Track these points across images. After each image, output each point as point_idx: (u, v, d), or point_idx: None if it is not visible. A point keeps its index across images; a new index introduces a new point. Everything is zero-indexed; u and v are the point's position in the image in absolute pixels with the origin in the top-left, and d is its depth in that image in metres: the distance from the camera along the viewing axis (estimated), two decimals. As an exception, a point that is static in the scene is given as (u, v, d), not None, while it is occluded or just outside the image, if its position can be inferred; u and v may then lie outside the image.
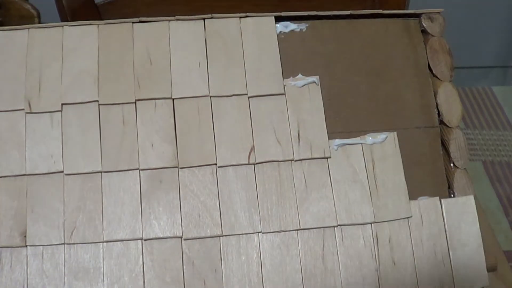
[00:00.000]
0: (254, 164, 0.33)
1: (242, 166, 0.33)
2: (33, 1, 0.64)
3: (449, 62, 0.36)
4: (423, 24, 0.36)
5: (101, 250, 0.31)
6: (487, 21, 1.22)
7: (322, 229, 0.32)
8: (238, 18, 0.35)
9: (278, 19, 0.36)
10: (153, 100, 0.33)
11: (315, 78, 0.34)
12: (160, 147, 0.32)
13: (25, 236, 0.31)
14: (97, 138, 0.32)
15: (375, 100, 0.35)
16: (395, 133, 0.34)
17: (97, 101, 0.33)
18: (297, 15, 0.36)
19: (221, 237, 0.32)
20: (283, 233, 0.32)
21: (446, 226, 0.33)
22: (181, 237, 0.31)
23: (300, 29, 0.36)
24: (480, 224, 0.34)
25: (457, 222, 0.33)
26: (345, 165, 0.33)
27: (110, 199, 0.32)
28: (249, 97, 0.34)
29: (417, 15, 0.37)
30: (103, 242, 0.31)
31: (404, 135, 0.34)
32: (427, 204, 0.33)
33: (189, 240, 0.31)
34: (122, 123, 0.33)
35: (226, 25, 0.35)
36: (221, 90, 0.34)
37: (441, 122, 0.35)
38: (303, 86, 0.34)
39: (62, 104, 0.33)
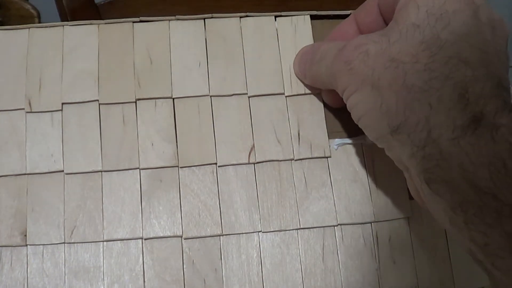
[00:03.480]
0: (254, 164, 0.33)
1: (242, 165, 0.33)
2: (33, 1, 0.64)
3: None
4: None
5: (101, 249, 0.31)
6: (486, 22, 1.22)
7: (322, 228, 0.32)
8: (238, 18, 0.35)
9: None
10: (154, 100, 0.33)
11: (315, 78, 0.34)
12: (160, 146, 0.33)
13: (25, 235, 0.31)
14: (97, 138, 0.32)
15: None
16: (395, 132, 0.34)
17: (97, 100, 0.33)
18: (297, 15, 0.36)
19: (221, 236, 0.32)
20: (283, 232, 0.32)
21: (446, 225, 0.33)
22: (181, 236, 0.31)
23: (300, 29, 0.36)
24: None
25: (457, 221, 0.33)
26: (345, 164, 0.33)
27: (110, 198, 0.32)
28: (249, 97, 0.34)
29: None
30: (103, 241, 0.31)
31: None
32: (427, 203, 0.33)
33: (189, 239, 0.31)
34: (123, 122, 0.33)
35: (226, 25, 0.35)
36: (221, 89, 0.34)
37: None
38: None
39: (63, 104, 0.33)
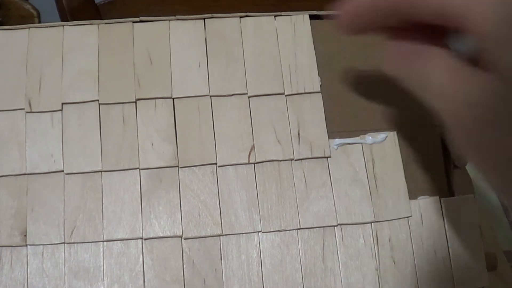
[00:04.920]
0: (254, 164, 0.33)
1: (242, 165, 0.33)
2: (33, 1, 0.64)
3: (449, 62, 0.36)
4: (423, 23, 0.36)
5: (101, 249, 0.31)
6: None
7: (322, 228, 0.32)
8: (238, 18, 0.35)
9: (278, 19, 0.36)
10: (154, 100, 0.33)
11: (315, 78, 0.34)
12: (160, 146, 0.33)
13: (25, 235, 0.31)
14: (97, 138, 0.32)
15: (375, 100, 0.35)
16: (395, 132, 0.34)
17: (98, 100, 0.33)
18: (296, 14, 0.36)
19: (221, 237, 0.32)
20: (283, 232, 0.32)
21: (446, 225, 0.33)
22: (181, 237, 0.31)
23: (300, 29, 0.36)
24: (480, 224, 0.34)
25: (457, 221, 0.33)
26: (345, 164, 0.33)
27: (110, 198, 0.32)
28: (249, 97, 0.34)
29: (417, 15, 0.37)
30: (103, 241, 0.31)
31: (404, 135, 0.34)
32: (427, 203, 0.33)
33: (189, 240, 0.31)
34: (123, 122, 0.33)
35: (226, 25, 0.35)
36: (221, 89, 0.34)
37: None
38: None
39: (63, 104, 0.33)
